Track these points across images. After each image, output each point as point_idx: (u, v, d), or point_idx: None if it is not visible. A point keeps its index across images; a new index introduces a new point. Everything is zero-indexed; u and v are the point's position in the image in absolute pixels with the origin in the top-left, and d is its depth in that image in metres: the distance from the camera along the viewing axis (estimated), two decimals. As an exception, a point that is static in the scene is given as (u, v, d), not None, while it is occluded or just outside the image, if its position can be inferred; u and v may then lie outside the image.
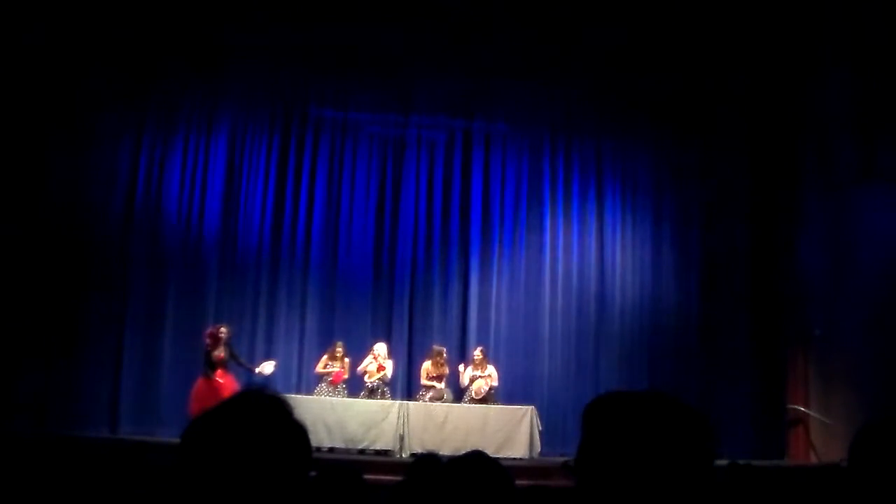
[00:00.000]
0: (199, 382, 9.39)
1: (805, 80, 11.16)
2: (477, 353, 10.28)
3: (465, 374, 10.19)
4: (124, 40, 10.75)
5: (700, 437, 1.22)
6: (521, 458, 9.23)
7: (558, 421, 10.53)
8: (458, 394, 10.31)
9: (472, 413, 9.79)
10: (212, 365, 9.41)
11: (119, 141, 11.22)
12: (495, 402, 10.06)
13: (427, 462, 4.26)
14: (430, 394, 10.08)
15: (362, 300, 11.45)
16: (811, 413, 10.68)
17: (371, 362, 10.08)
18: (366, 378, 10.02)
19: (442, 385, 10.16)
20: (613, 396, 1.27)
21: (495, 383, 10.15)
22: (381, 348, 10.24)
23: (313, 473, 2.24)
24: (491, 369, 10.21)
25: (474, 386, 10.03)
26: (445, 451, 7.63)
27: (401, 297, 11.51)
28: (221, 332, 9.60)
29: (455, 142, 11.93)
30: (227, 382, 9.31)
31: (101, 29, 10.62)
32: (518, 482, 2.05)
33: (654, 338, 11.52)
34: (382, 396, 9.97)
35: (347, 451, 9.24)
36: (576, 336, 11.54)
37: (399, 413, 9.50)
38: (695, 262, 11.75)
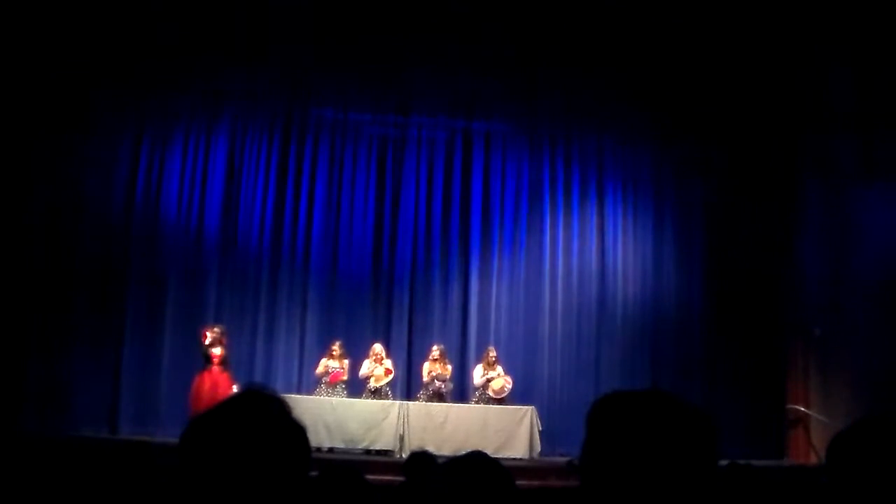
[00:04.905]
0: (198, 378, 9.52)
1: (805, 79, 11.16)
2: (492, 354, 10.30)
3: (477, 373, 10.21)
4: (124, 40, 10.73)
5: (704, 437, 1.21)
6: (521, 458, 9.23)
7: (558, 421, 10.53)
8: (464, 393, 10.32)
9: (472, 413, 9.80)
10: (209, 360, 9.58)
11: (119, 141, 11.21)
12: (511, 402, 10.08)
13: (421, 459, 4.27)
14: (434, 376, 10.06)
15: (362, 300, 11.45)
16: (811, 413, 10.68)
17: (376, 366, 10.07)
18: (371, 381, 10.01)
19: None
20: (618, 396, 1.27)
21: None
22: (379, 349, 10.24)
23: (314, 473, 2.24)
24: (500, 369, 10.23)
25: (495, 385, 10.05)
26: (445, 451, 7.63)
27: (401, 297, 11.50)
28: (215, 332, 9.75)
29: (455, 142, 11.93)
30: (224, 378, 9.45)
31: (101, 28, 10.61)
32: (518, 482, 2.05)
33: (654, 338, 11.52)
34: (384, 396, 9.97)
35: (347, 451, 9.25)
36: (576, 336, 11.54)
37: (399, 413, 9.51)
38: (695, 261, 11.76)
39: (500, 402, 10.00)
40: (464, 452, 1.96)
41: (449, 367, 10.28)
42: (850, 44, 10.01)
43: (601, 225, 11.90)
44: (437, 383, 10.06)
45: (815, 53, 10.87)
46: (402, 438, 9.36)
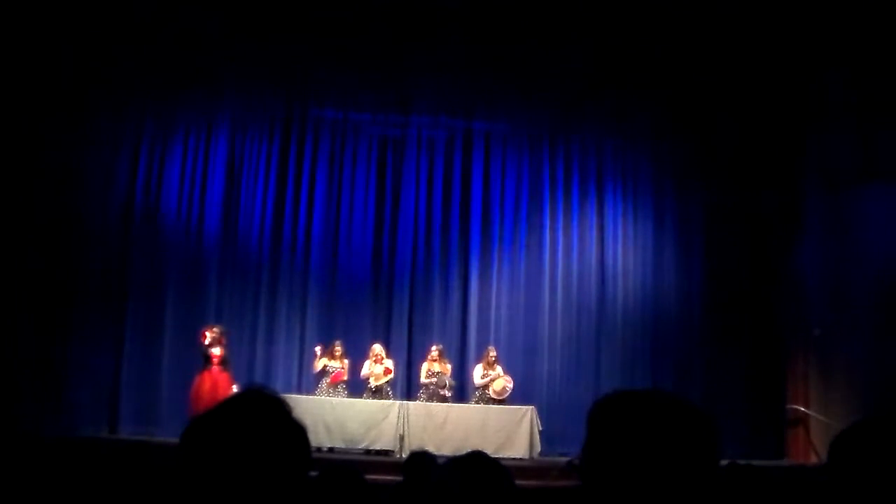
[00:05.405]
0: (198, 378, 9.54)
1: (805, 80, 11.16)
2: (492, 354, 10.30)
3: (477, 373, 10.21)
4: (124, 40, 10.73)
5: (705, 438, 1.21)
6: (521, 458, 9.24)
7: (558, 421, 10.52)
8: (464, 393, 10.31)
9: (472, 413, 9.81)
10: (208, 360, 9.61)
11: (119, 141, 11.21)
12: (511, 402, 10.08)
13: (420, 459, 4.27)
14: (434, 380, 10.06)
15: (362, 300, 11.45)
16: (811, 413, 10.68)
17: (376, 366, 10.07)
18: (371, 381, 10.01)
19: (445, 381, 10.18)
20: (619, 396, 1.27)
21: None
22: (379, 349, 10.24)
23: (314, 473, 2.24)
24: (500, 369, 10.23)
25: (496, 385, 10.05)
26: (445, 451, 7.64)
27: (401, 297, 11.51)
28: (215, 332, 9.77)
29: (455, 142, 11.93)
30: (224, 378, 9.46)
31: (101, 28, 10.61)
32: (518, 482, 2.05)
33: (654, 337, 11.53)
34: (384, 396, 9.98)
35: (347, 451, 9.26)
36: (576, 336, 11.54)
37: (399, 413, 9.51)
38: (695, 261, 11.76)
39: (500, 402, 10.01)
40: (464, 452, 1.96)
41: (448, 366, 10.29)
42: (850, 44, 10.00)
43: (601, 225, 11.90)
44: (436, 389, 10.05)
45: (816, 53, 10.86)
46: (402, 438, 9.36)
